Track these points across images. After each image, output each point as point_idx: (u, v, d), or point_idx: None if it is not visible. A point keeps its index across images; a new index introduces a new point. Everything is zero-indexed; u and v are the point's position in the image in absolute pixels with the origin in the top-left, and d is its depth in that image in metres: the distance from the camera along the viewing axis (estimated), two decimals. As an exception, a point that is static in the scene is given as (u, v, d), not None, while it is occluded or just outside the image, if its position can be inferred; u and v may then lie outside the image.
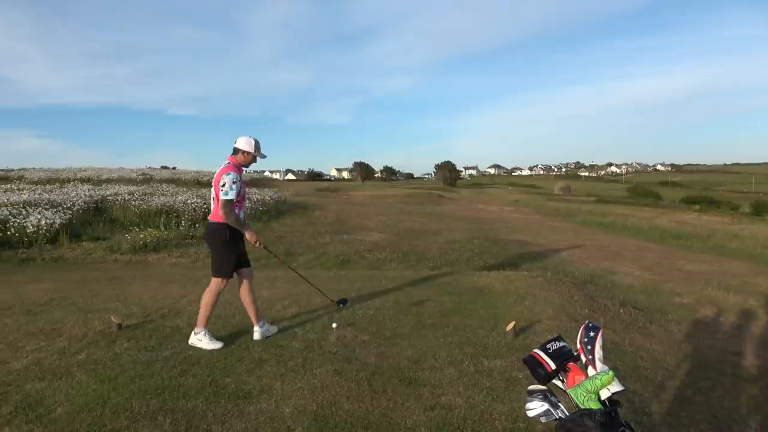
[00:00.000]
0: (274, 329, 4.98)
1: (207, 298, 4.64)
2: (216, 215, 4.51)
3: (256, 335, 4.77)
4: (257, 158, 4.69)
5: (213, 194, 4.57)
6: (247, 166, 4.70)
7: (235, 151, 4.59)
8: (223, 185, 4.39)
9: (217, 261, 4.63)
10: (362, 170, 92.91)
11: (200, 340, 4.57)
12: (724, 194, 76.64)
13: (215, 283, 4.63)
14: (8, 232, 10.84)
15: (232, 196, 4.41)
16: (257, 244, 4.71)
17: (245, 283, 4.77)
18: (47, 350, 4.50)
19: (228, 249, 4.58)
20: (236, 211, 4.50)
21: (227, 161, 4.59)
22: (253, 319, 4.82)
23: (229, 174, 4.41)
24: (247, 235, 4.64)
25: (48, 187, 19.67)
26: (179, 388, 3.72)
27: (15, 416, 3.29)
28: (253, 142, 4.59)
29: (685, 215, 27.92)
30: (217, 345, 4.54)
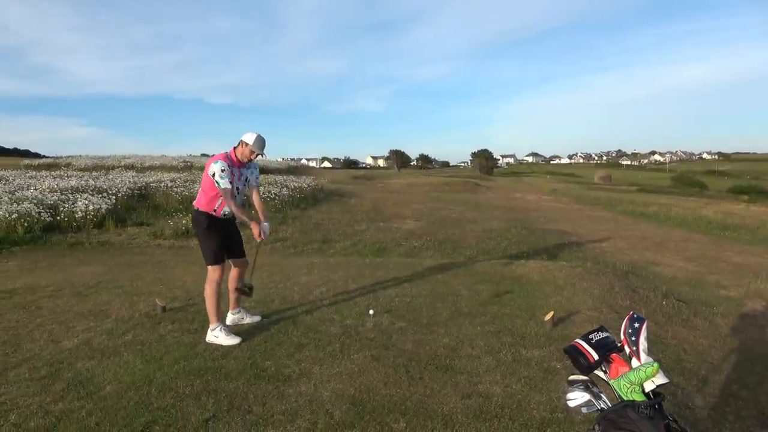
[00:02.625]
0: (256, 318, 4.97)
1: (207, 290, 4.49)
2: (199, 202, 4.47)
3: (228, 320, 4.81)
4: (255, 154, 4.50)
5: (201, 181, 4.55)
6: (243, 160, 4.51)
7: (239, 143, 4.51)
8: (213, 174, 4.30)
9: (201, 248, 4.55)
10: (398, 158, 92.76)
11: (216, 336, 4.40)
12: (775, 184, 73.39)
13: (209, 272, 4.49)
14: (58, 217, 11.29)
15: (225, 184, 4.30)
16: (260, 239, 4.55)
17: (235, 271, 4.78)
18: (96, 331, 4.68)
19: (207, 235, 4.46)
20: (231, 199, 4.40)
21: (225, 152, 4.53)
22: (231, 305, 4.86)
23: (216, 162, 4.31)
24: (252, 229, 4.48)
25: (94, 174, 20.36)
26: (221, 369, 3.82)
27: (67, 393, 3.45)
28: (254, 137, 4.43)
29: (732, 206, 26.90)
30: (235, 340, 4.37)
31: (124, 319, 5.01)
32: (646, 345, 1.95)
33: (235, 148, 4.53)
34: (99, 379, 3.66)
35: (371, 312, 5.12)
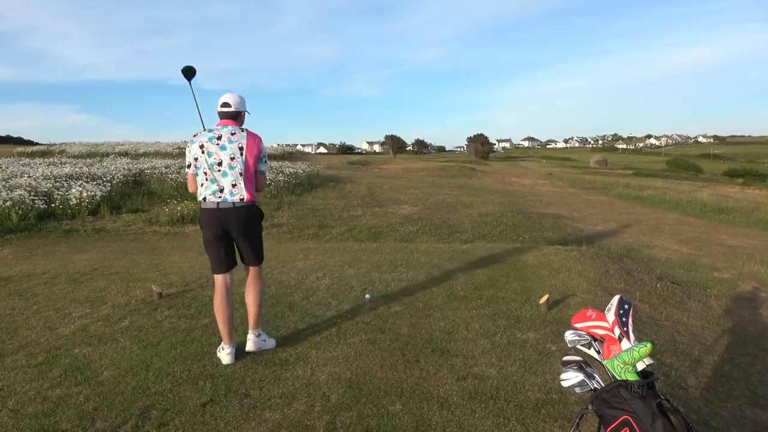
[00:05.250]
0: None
1: (260, 291, 3.92)
2: (251, 193, 3.61)
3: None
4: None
5: (240, 169, 3.53)
6: None
7: (238, 114, 3.66)
8: (264, 158, 3.71)
9: (261, 245, 3.88)
10: (394, 143, 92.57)
11: (264, 341, 3.94)
12: (770, 167, 73.59)
13: (260, 270, 3.94)
14: (53, 205, 11.24)
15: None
16: None
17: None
18: (92, 317, 4.69)
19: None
20: None
21: (241, 128, 3.62)
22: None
23: (261, 142, 3.68)
24: None
25: (88, 161, 20.26)
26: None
27: (65, 379, 3.45)
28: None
29: (727, 188, 27.03)
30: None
31: (120, 306, 5.01)
32: (633, 326, 1.97)
33: (236, 121, 3.66)
34: (96, 364, 3.67)
35: (367, 296, 5.13)
